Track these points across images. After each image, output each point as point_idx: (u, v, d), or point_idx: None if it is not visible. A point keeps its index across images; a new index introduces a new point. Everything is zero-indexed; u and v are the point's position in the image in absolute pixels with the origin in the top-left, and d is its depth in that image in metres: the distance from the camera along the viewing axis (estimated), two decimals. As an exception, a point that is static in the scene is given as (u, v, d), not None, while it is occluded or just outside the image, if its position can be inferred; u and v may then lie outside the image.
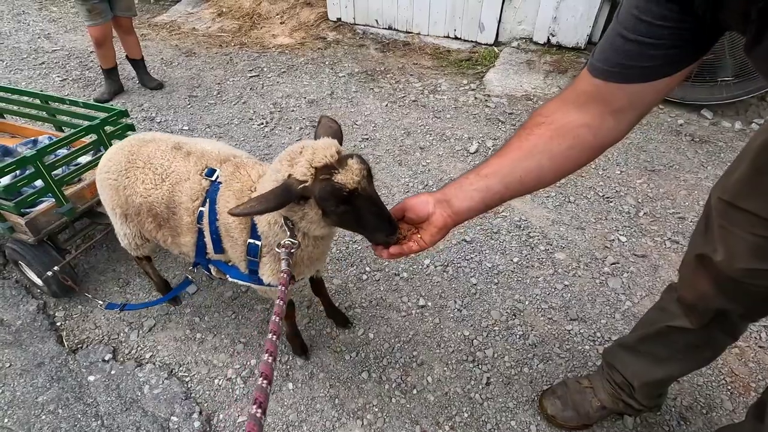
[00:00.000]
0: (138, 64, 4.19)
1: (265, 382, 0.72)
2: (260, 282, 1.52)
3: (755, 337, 1.99)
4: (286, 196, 1.09)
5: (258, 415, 0.66)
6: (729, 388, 1.82)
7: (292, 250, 1.18)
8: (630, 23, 0.75)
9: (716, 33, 0.72)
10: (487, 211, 1.01)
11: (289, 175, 1.11)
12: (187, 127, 3.68)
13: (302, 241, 1.34)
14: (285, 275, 1.07)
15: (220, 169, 1.48)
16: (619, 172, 2.99)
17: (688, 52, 0.75)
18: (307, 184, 1.09)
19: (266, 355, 0.79)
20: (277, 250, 1.19)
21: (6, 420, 1.78)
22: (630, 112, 0.85)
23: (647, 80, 0.79)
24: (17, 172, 1.99)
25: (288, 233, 1.24)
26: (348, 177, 1.07)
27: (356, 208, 1.09)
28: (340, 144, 1.22)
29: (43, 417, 1.78)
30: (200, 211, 1.48)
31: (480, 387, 1.84)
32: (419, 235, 1.02)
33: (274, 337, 0.84)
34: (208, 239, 1.52)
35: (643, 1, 0.72)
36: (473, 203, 0.96)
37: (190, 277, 1.80)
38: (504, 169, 0.94)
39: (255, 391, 0.71)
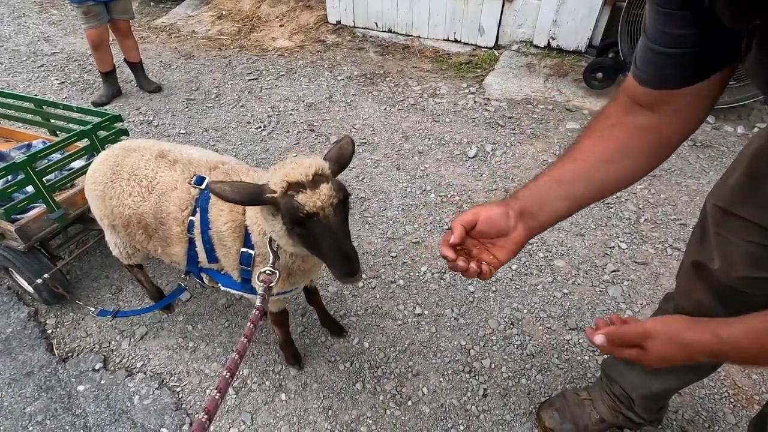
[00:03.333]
0: (136, 67, 4.17)
1: (205, 416, 0.78)
2: (253, 291, 1.49)
3: (759, 348, 1.94)
4: (255, 195, 1.10)
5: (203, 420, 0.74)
6: (732, 400, 1.78)
7: (271, 285, 1.17)
8: (656, 37, 0.75)
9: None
10: (564, 220, 0.93)
11: (267, 182, 1.12)
12: (184, 131, 3.66)
13: (289, 257, 1.34)
14: (257, 312, 1.05)
15: (210, 176, 1.45)
16: (619, 178, 2.95)
17: (721, 52, 0.73)
18: (275, 195, 1.09)
19: (225, 371, 0.85)
20: (257, 282, 1.19)
21: (-7, 431, 1.75)
22: (697, 104, 0.82)
23: (693, 83, 0.77)
24: (8, 177, 1.97)
25: (272, 256, 1.24)
26: (310, 200, 1.05)
27: (311, 234, 1.07)
28: (344, 167, 1.20)
29: (31, 428, 1.75)
30: (190, 220, 1.45)
31: (476, 399, 1.80)
32: (492, 254, 0.86)
33: (229, 374, 0.88)
34: (200, 248, 1.49)
35: (661, 14, 0.73)
36: (559, 213, 0.88)
37: (183, 284, 1.77)
38: (586, 172, 0.87)
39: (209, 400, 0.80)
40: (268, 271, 1.19)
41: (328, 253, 1.06)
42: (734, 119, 3.46)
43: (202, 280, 1.64)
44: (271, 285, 1.18)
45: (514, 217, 0.87)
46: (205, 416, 0.76)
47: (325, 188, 1.07)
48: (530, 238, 0.89)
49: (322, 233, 1.06)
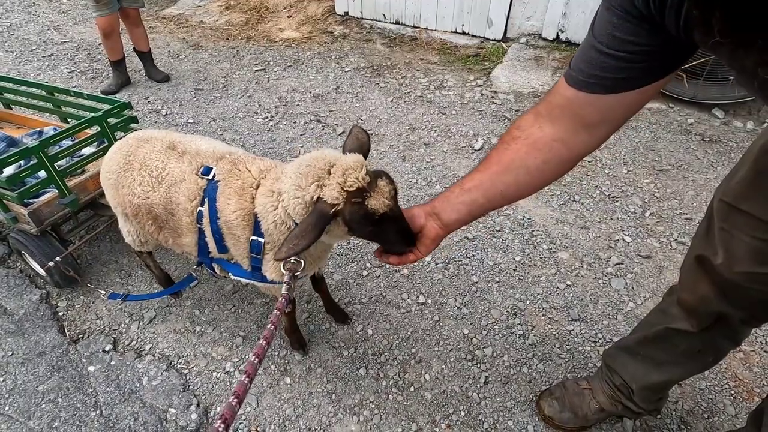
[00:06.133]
0: (145, 56, 4.20)
1: (235, 400, 0.80)
2: (263, 279, 1.51)
3: (761, 342, 1.95)
4: (323, 223, 1.10)
5: (220, 430, 0.75)
6: (732, 392, 1.79)
7: (296, 273, 1.18)
8: (604, 38, 0.76)
9: (689, 50, 0.74)
10: (474, 221, 1.07)
11: (318, 198, 1.11)
12: (192, 120, 3.69)
13: None
14: (284, 300, 1.06)
15: (217, 166, 1.46)
16: (626, 172, 2.95)
17: (660, 66, 0.77)
18: (338, 208, 1.09)
19: (244, 376, 0.85)
20: (283, 270, 1.20)
21: (7, 408, 1.80)
22: (601, 126, 0.87)
23: (620, 91, 0.80)
24: (21, 162, 2.01)
25: None
26: (380, 202, 1.08)
27: (384, 228, 1.11)
28: (367, 154, 1.23)
29: (43, 406, 1.80)
30: (199, 211, 1.47)
31: (478, 386, 1.83)
32: (415, 246, 1.10)
33: (257, 359, 0.89)
34: (209, 238, 1.51)
35: (616, 17, 0.73)
36: (460, 215, 1.03)
37: (194, 274, 1.80)
38: (485, 184, 0.99)
39: (236, 385, 0.82)
40: (293, 260, 1.21)
41: (394, 237, 1.11)
42: (744, 114, 3.43)
43: (214, 270, 1.67)
44: (296, 273, 1.19)
45: (424, 217, 1.07)
46: (235, 400, 0.79)
47: (385, 185, 1.10)
48: (444, 235, 1.07)
49: (391, 225, 1.10)
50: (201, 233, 1.52)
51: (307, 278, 1.97)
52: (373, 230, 1.11)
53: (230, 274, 1.60)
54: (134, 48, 4.17)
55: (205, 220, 1.46)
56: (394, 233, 1.10)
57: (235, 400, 0.79)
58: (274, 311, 1.03)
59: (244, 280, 1.59)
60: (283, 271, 1.21)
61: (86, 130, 2.19)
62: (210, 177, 1.45)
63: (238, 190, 1.39)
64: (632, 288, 2.20)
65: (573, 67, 0.84)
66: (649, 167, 2.98)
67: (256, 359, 0.88)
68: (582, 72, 0.82)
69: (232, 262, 1.58)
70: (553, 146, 0.91)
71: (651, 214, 2.62)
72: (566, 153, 0.91)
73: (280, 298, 1.09)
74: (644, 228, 2.54)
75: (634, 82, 0.78)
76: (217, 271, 1.66)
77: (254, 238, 1.40)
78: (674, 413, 1.72)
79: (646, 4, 0.66)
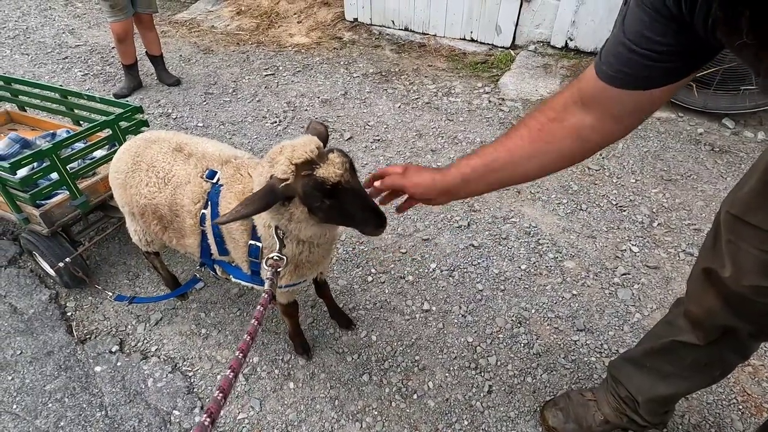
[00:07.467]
0: (157, 60, 4.26)
1: (221, 395, 0.81)
2: (262, 283, 1.52)
3: (770, 356, 1.92)
4: (271, 196, 1.09)
5: (206, 423, 0.75)
6: (740, 407, 1.76)
7: (278, 269, 1.18)
8: (633, 35, 0.77)
9: (713, 51, 0.74)
10: (481, 189, 1.05)
11: (271, 176, 1.11)
12: (201, 124, 3.73)
13: (296, 247, 1.35)
14: (266, 296, 1.07)
15: (221, 170, 1.48)
16: (634, 181, 2.93)
17: (685, 65, 0.78)
18: (289, 182, 1.09)
19: (229, 371, 0.86)
20: (264, 266, 1.20)
21: (14, 406, 1.82)
22: (628, 117, 0.88)
23: (646, 88, 0.81)
24: (34, 164, 2.05)
25: (278, 244, 1.25)
26: (330, 171, 1.06)
27: (341, 201, 1.08)
28: (324, 146, 1.21)
29: (50, 405, 1.82)
30: (203, 213, 1.49)
31: (481, 395, 1.82)
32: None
33: (241, 355, 0.90)
34: (211, 241, 1.53)
35: (647, 16, 0.74)
36: (475, 193, 1.05)
37: (198, 275, 1.82)
38: (513, 165, 0.98)
39: (210, 402, 0.80)
40: (275, 257, 1.21)
41: (359, 213, 1.08)
42: (755, 125, 3.40)
43: (216, 272, 1.69)
44: (278, 270, 1.20)
45: (437, 192, 1.05)
46: (220, 394, 0.79)
47: (335, 156, 1.09)
48: (440, 183, 1.06)
49: (349, 197, 1.08)
50: (204, 235, 1.54)
51: (310, 283, 1.98)
52: (331, 205, 1.09)
53: (231, 276, 1.62)
54: (146, 52, 4.23)
55: (208, 223, 1.49)
56: (356, 208, 1.07)
57: (221, 394, 0.80)
58: (258, 307, 1.04)
59: (244, 283, 1.61)
60: (265, 267, 1.21)
61: (98, 133, 2.22)
62: (214, 180, 1.47)
63: (238, 194, 1.41)
64: (639, 299, 2.18)
65: (603, 60, 0.85)
66: (657, 177, 2.96)
67: (241, 354, 0.89)
68: (611, 66, 0.83)
69: (233, 264, 1.60)
70: (584, 133, 0.91)
71: (659, 224, 2.60)
72: (597, 139, 0.92)
73: (263, 294, 1.10)
74: (652, 238, 2.51)
75: (656, 81, 0.79)
76: (219, 273, 1.68)
77: (252, 242, 1.42)
78: (680, 427, 1.70)
79: (677, 3, 0.67)
